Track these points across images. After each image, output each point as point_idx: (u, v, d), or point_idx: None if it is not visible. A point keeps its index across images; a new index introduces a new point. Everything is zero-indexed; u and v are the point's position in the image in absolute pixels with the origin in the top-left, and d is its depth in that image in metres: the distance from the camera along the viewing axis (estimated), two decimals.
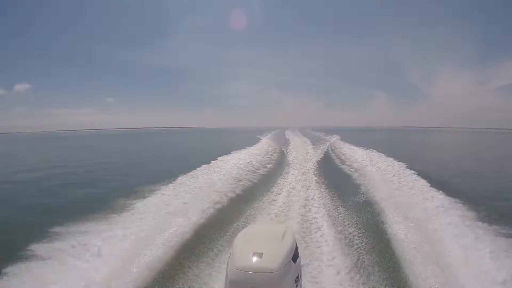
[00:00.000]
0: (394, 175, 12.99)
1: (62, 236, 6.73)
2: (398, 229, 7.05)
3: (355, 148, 25.35)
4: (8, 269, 5.25)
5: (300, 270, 3.49)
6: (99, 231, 6.88)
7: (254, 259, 3.18)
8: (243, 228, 6.43)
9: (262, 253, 3.24)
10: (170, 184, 11.33)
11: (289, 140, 39.22)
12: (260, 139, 39.11)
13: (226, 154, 20.30)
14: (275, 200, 10.20)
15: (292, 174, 14.74)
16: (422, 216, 7.73)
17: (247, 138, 46.25)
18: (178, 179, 12.14)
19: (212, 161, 16.81)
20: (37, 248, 6.08)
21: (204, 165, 15.34)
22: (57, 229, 7.12)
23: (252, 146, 28.43)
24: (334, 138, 41.12)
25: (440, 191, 9.84)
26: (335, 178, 14.03)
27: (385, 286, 5.06)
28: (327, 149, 27.11)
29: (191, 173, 13.46)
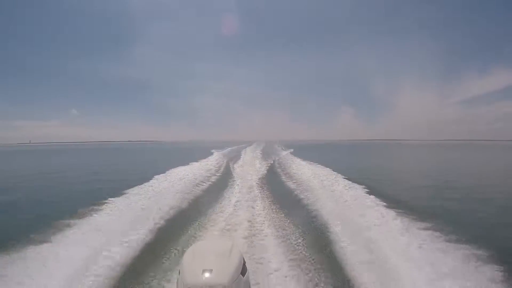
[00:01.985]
0: (336, 188, 13.54)
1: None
2: (341, 237, 7.28)
3: (302, 162, 26.34)
4: None
5: (249, 284, 3.57)
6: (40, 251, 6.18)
7: (204, 275, 3.20)
8: (189, 244, 6.34)
9: (212, 269, 3.27)
10: (114, 200, 10.66)
11: (240, 155, 39.47)
12: (212, 153, 38.56)
13: (172, 168, 19.68)
14: (221, 215, 10.11)
15: (238, 188, 14.80)
16: (363, 225, 8.04)
17: (203, 152, 45.22)
18: (122, 195, 11.57)
19: (157, 176, 16.18)
20: None
21: (149, 180, 14.78)
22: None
23: (201, 160, 27.85)
24: (285, 153, 42.25)
25: (383, 202, 10.30)
26: (280, 192, 14.34)
27: None
28: (273, 163, 27.75)
29: (135, 189, 12.84)
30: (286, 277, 5.78)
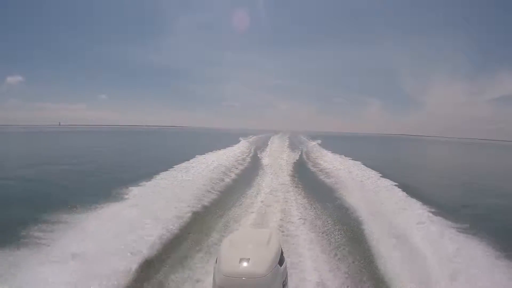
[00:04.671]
0: (365, 181, 13.59)
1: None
2: (375, 231, 7.26)
3: (331, 154, 25.82)
4: None
5: (287, 274, 3.56)
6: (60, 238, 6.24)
7: (242, 264, 3.20)
8: (226, 233, 6.34)
9: (249, 258, 3.27)
10: (144, 186, 10.63)
11: (268, 143, 39.56)
12: (240, 141, 38.99)
13: (200, 154, 19.95)
14: (252, 203, 10.16)
15: (268, 177, 14.84)
16: (397, 221, 7.93)
17: (231, 139, 45.60)
18: (150, 181, 11.46)
19: (186, 162, 16.40)
20: None
21: (177, 165, 14.93)
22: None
23: (229, 147, 28.17)
24: (312, 144, 41.38)
25: (409, 196, 10.23)
26: (310, 182, 14.29)
27: (366, 285, 5.24)
28: (301, 153, 27.52)
29: (163, 175, 12.76)
30: (322, 267, 5.81)
